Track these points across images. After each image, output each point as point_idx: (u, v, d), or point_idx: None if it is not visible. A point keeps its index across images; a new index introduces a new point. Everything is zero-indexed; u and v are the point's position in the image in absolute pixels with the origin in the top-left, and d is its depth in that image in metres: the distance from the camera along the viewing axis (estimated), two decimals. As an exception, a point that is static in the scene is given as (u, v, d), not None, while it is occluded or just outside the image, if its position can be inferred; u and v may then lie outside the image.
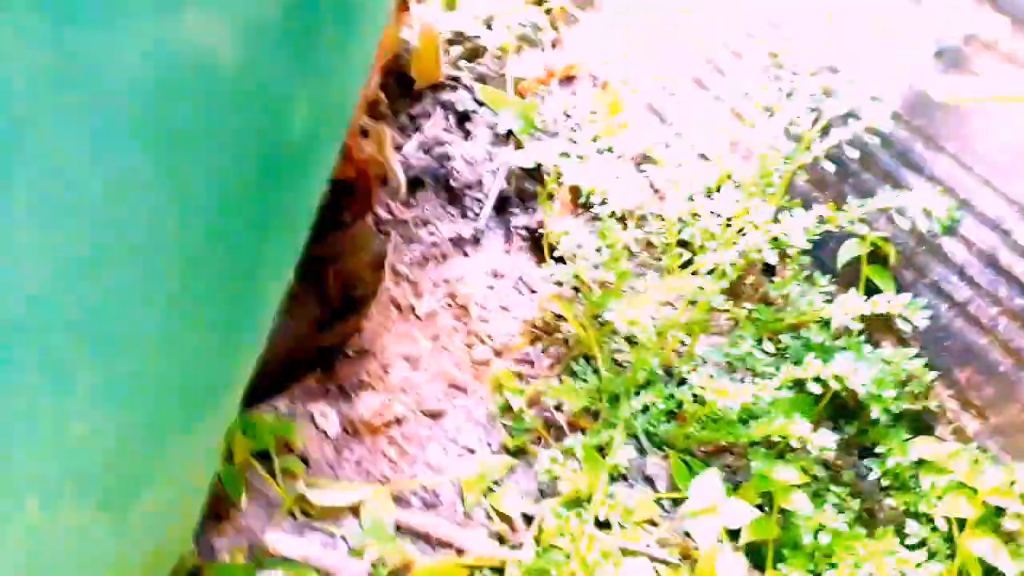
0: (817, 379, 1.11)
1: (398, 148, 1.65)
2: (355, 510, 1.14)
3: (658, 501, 1.25)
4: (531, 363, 1.47)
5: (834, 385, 1.10)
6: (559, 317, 1.49)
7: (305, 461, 1.19)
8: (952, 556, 1.11)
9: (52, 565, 0.57)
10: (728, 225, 1.26)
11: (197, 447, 0.66)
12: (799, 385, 1.15)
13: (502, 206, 1.67)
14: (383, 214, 1.59)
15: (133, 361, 0.52)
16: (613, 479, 1.25)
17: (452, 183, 1.63)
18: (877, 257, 1.28)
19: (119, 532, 0.63)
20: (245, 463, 1.11)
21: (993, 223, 1.17)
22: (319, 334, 1.31)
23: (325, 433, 1.24)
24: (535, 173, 1.67)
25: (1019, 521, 1.08)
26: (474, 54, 1.81)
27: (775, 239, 1.20)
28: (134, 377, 0.52)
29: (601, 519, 1.16)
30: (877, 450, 1.18)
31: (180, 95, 0.41)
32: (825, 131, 1.24)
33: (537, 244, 1.65)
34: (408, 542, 1.13)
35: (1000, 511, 1.11)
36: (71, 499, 0.54)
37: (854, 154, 1.24)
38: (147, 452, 0.57)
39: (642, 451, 1.31)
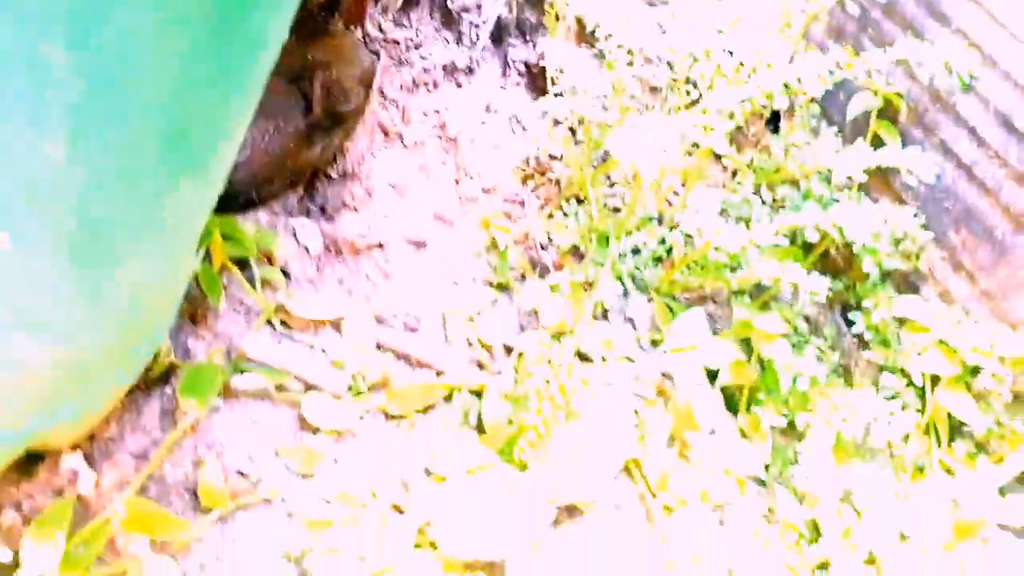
0: (815, 227, 1.09)
1: (392, -38, 1.52)
2: (336, 325, 1.12)
3: (638, 341, 1.25)
4: (521, 203, 1.43)
5: (832, 233, 1.08)
6: (552, 158, 1.44)
7: (285, 274, 1.15)
8: (923, 410, 1.13)
9: (23, 308, 0.53)
10: (741, 65, 1.19)
11: (183, 212, 0.61)
12: (795, 234, 1.13)
13: (499, 35, 1.57)
14: (373, 32, 1.48)
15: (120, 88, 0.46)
16: (595, 317, 1.24)
17: (449, 3, 1.52)
18: (887, 113, 1.24)
19: (96, 293, 0.59)
20: (223, 268, 1.07)
21: (1016, 83, 1.12)
22: (302, 148, 1.25)
23: (307, 249, 1.20)
24: (537, 3, 1.57)
25: (994, 380, 1.10)
26: None
27: (787, 84, 1.14)
28: (120, 103, 0.46)
29: (582, 352, 1.16)
30: (864, 304, 1.18)
31: None
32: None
33: (534, 80, 1.57)
34: (388, 360, 1.12)
35: (976, 370, 1.13)
36: (45, 242, 0.50)
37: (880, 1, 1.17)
38: (133, 201, 0.53)
39: (625, 293, 1.30)
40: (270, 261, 1.14)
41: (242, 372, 1.01)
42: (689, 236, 1.22)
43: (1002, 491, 1.07)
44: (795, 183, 1.27)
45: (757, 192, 1.27)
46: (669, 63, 1.29)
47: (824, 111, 1.28)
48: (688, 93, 1.26)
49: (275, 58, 0.58)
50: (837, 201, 1.20)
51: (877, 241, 1.12)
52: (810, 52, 1.17)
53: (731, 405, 1.19)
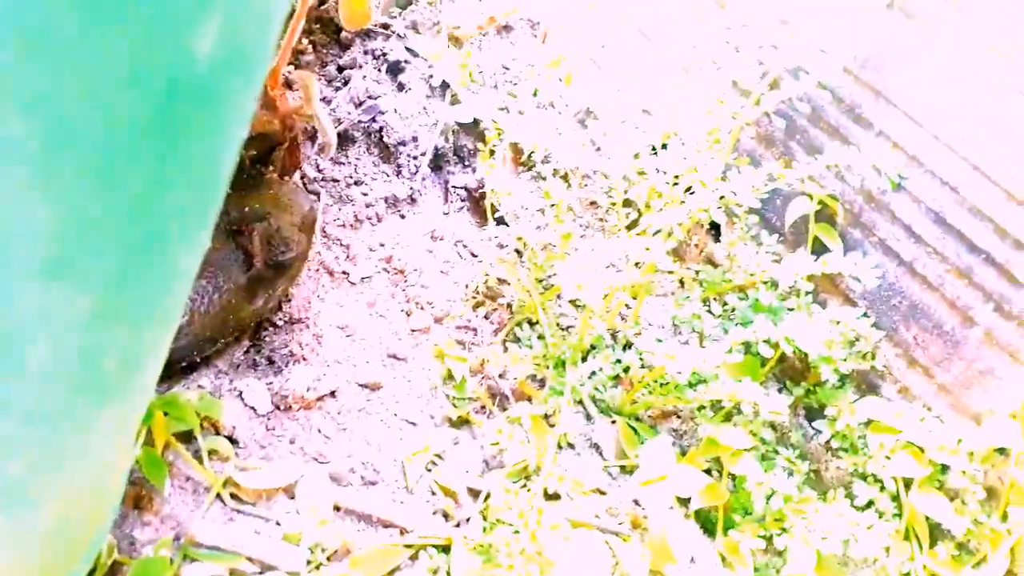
0: (767, 341, 1.09)
1: (327, 101, 1.54)
2: (289, 491, 1.07)
3: (605, 469, 1.22)
4: (474, 330, 1.41)
5: (785, 347, 1.08)
6: (502, 281, 1.43)
7: (233, 441, 1.11)
8: (900, 515, 1.11)
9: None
10: (675, 183, 1.21)
11: (105, 440, 0.58)
12: (748, 348, 1.12)
13: (438, 163, 1.58)
14: (312, 172, 1.48)
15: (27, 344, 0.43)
16: (560, 448, 1.21)
17: (385, 139, 1.53)
18: (824, 215, 1.26)
19: (18, 543, 0.55)
20: (166, 446, 1.02)
21: (942, 180, 1.15)
22: (245, 302, 1.22)
23: (254, 410, 1.15)
24: (473, 129, 1.59)
25: (964, 478, 1.08)
26: None
27: (723, 198, 1.16)
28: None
29: (550, 491, 1.12)
30: (827, 412, 1.17)
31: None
32: (774, 86, 1.20)
33: (477, 204, 1.58)
34: (348, 523, 1.07)
35: (945, 468, 1.12)
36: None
37: (804, 109, 1.20)
38: (47, 449, 0.49)
39: (588, 418, 1.27)
40: (216, 429, 1.09)
41: (193, 560, 0.95)
42: (643, 356, 1.21)
43: (991, 598, 1.05)
44: (743, 291, 1.27)
45: (706, 303, 1.27)
46: (608, 189, 1.31)
47: (763, 218, 1.30)
48: (628, 215, 1.27)
49: (189, 287, 0.56)
50: (788, 309, 1.21)
51: (831, 348, 1.11)
52: (742, 165, 1.19)
53: (708, 528, 1.16)
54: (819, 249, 1.24)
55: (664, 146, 1.35)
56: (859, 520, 1.05)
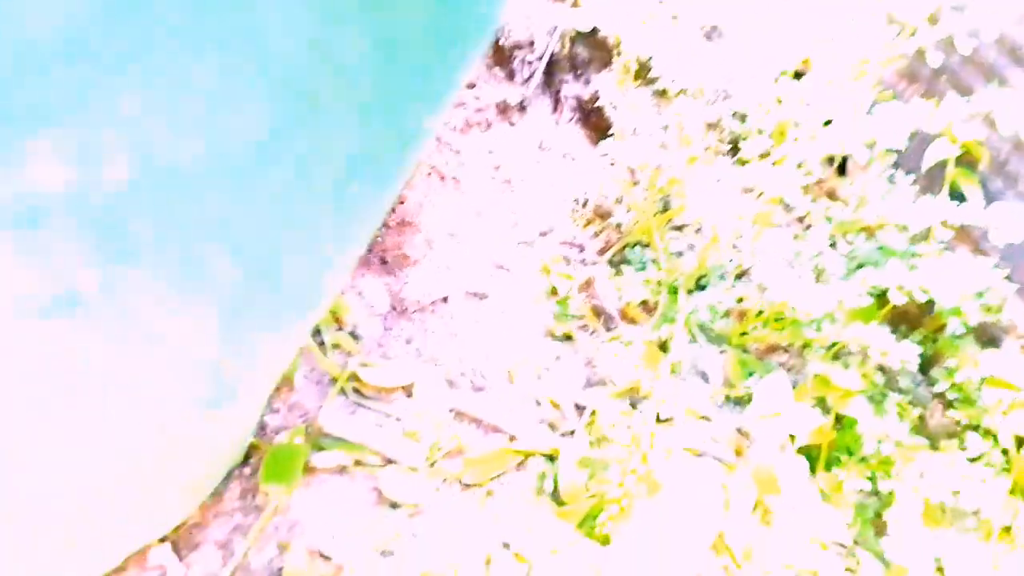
0: (900, 288, 1.06)
1: None
2: (408, 390, 1.10)
3: (712, 398, 1.22)
4: (580, 247, 1.40)
5: (919, 296, 1.05)
6: (613, 200, 1.41)
7: (354, 336, 1.13)
8: (1009, 470, 1.10)
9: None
10: (815, 115, 1.16)
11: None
12: (876, 292, 1.10)
13: (551, 71, 1.54)
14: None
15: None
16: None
17: (501, 40, 1.48)
18: (965, 160, 1.20)
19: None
20: (299, 337, 1.05)
21: (1106, 133, 1.09)
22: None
23: (373, 308, 1.17)
24: (591, 37, 1.53)
25: (1083, 442, 1.07)
26: None
27: (869, 140, 1.11)
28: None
29: (661, 416, 1.13)
30: (947, 363, 1.15)
31: None
32: (932, 20, 1.13)
33: (588, 117, 1.54)
34: (462, 426, 1.10)
35: (1062, 431, 1.10)
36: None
37: (966, 48, 1.13)
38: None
39: (696, 345, 1.27)
40: (340, 324, 1.12)
41: (320, 449, 0.99)
42: (763, 289, 1.19)
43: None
44: (868, 232, 1.24)
45: (832, 242, 1.23)
46: (737, 114, 1.26)
47: (899, 157, 1.25)
48: (759, 143, 1.22)
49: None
50: (915, 255, 1.17)
51: (964, 301, 1.08)
52: (887, 102, 1.13)
53: (810, 462, 1.16)
54: (955, 195, 1.19)
55: (798, 74, 1.29)
56: (970, 473, 1.05)
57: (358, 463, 1.00)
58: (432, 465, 1.04)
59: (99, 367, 0.50)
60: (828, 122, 1.17)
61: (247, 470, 0.95)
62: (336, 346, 1.09)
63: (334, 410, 1.02)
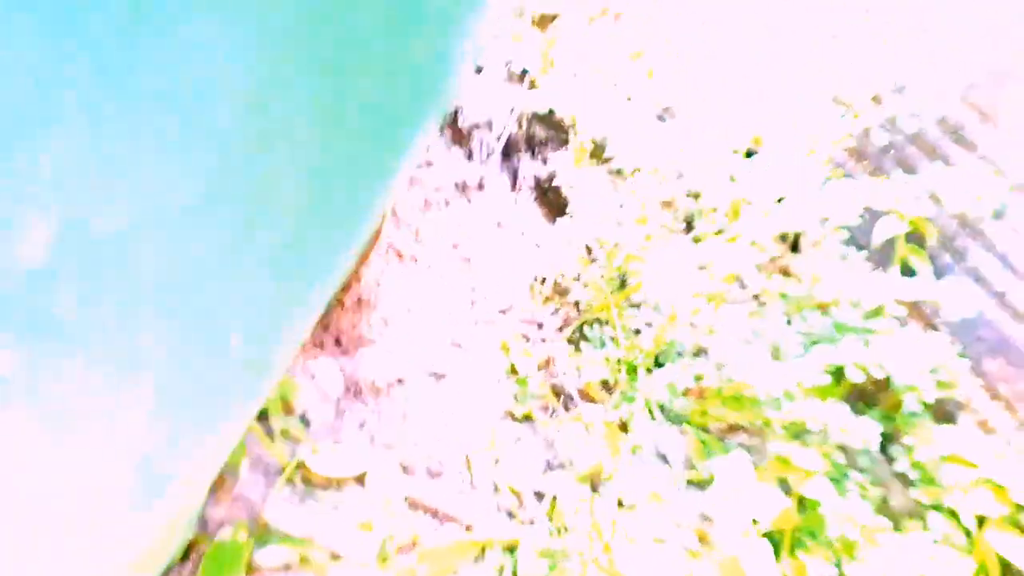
0: (858, 365, 1.06)
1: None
2: (360, 479, 1.06)
3: (673, 480, 1.19)
4: (539, 325, 1.39)
5: (876, 373, 1.05)
6: (570, 279, 1.41)
7: (304, 422, 1.09)
8: (971, 552, 1.09)
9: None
10: (768, 193, 1.18)
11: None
12: (837, 370, 1.09)
13: (509, 150, 1.55)
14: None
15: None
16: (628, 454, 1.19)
17: (460, 121, 1.50)
18: (914, 237, 1.23)
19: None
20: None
21: (1047, 212, 1.11)
22: (317, 282, 1.20)
23: (326, 393, 1.14)
24: (548, 118, 1.56)
25: (1045, 520, 1.06)
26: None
27: (819, 214, 1.13)
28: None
29: (624, 502, 1.10)
30: (905, 440, 1.14)
31: None
32: (876, 100, 1.16)
33: (545, 195, 1.55)
34: (416, 516, 1.06)
35: (1021, 508, 1.09)
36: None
37: (904, 126, 1.16)
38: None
39: (655, 425, 1.25)
40: (287, 409, 1.08)
41: (265, 544, 0.94)
42: (721, 367, 1.18)
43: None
44: (822, 308, 1.24)
45: (788, 321, 1.24)
46: (692, 193, 1.27)
47: (850, 234, 1.27)
48: (714, 221, 1.24)
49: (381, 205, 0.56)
50: (869, 331, 1.18)
51: (919, 377, 1.08)
52: (838, 180, 1.15)
53: (774, 547, 1.14)
54: (906, 271, 1.21)
55: (749, 153, 1.32)
56: (936, 555, 1.03)
57: (304, 560, 0.95)
58: (384, 560, 0.99)
59: (14, 456, 0.47)
60: (780, 199, 1.19)
61: (186, 569, 0.90)
62: (284, 433, 1.05)
63: (280, 502, 0.98)
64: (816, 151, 1.17)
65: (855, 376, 1.06)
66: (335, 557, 0.97)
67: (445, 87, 0.55)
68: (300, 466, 1.03)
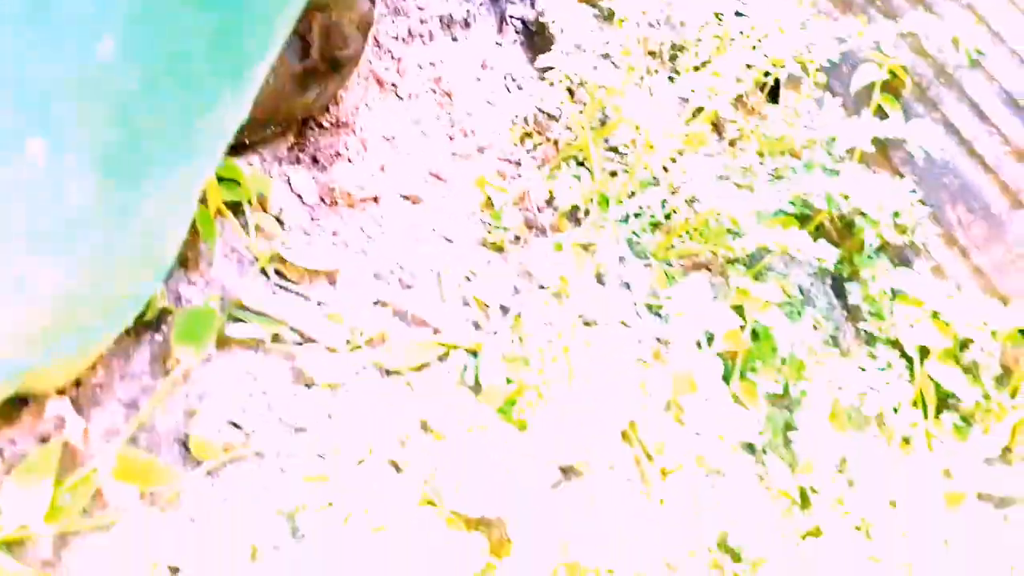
0: (828, 196, 1.09)
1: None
2: (331, 277, 1.09)
3: (634, 306, 1.24)
4: (516, 163, 1.40)
5: (839, 202, 1.08)
6: (550, 117, 1.41)
7: (280, 223, 1.11)
8: (913, 381, 1.15)
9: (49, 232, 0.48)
10: (752, 29, 1.18)
11: (213, 132, 0.58)
12: (803, 201, 1.12)
13: (498, -11, 1.53)
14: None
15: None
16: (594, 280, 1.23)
17: (448, -47, 1.47)
18: (891, 86, 1.24)
19: (122, 214, 0.55)
20: (217, 211, 1.03)
21: (1022, 60, 1.13)
22: (297, 92, 1.19)
23: (300, 198, 1.16)
24: (537, -42, 1.53)
25: (984, 354, 1.11)
26: None
27: (799, 53, 1.13)
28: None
29: (582, 315, 1.14)
30: (862, 275, 1.18)
31: None
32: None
33: (531, 38, 1.53)
34: (385, 314, 1.09)
35: (966, 344, 1.15)
36: (83, 151, 0.46)
37: (894, -32, 1.16)
38: (175, 110, 0.49)
39: (621, 259, 1.29)
40: (264, 208, 1.10)
41: (237, 320, 0.97)
42: (691, 201, 1.21)
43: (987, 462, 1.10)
44: (794, 154, 1.26)
45: (760, 158, 1.26)
46: (681, 21, 1.27)
47: (828, 82, 1.28)
48: (697, 55, 1.24)
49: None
50: (838, 172, 1.20)
51: (880, 212, 1.12)
52: (819, 20, 1.15)
53: (724, 371, 1.19)
54: (881, 119, 1.23)
55: (739, -4, 1.31)
56: (877, 378, 1.09)
57: (276, 338, 0.98)
58: (353, 349, 1.03)
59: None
60: (763, 37, 1.19)
61: (159, 336, 0.93)
62: (260, 228, 1.07)
63: (254, 285, 1.01)
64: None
65: (820, 204, 1.09)
66: (306, 340, 1.00)
67: None
68: (274, 258, 1.05)
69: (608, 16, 1.40)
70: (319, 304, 1.05)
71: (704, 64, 1.23)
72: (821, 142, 1.20)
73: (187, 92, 0.47)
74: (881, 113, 1.22)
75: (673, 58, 1.35)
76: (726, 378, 1.18)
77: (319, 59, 1.19)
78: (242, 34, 0.50)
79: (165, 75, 0.44)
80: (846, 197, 1.07)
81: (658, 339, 1.20)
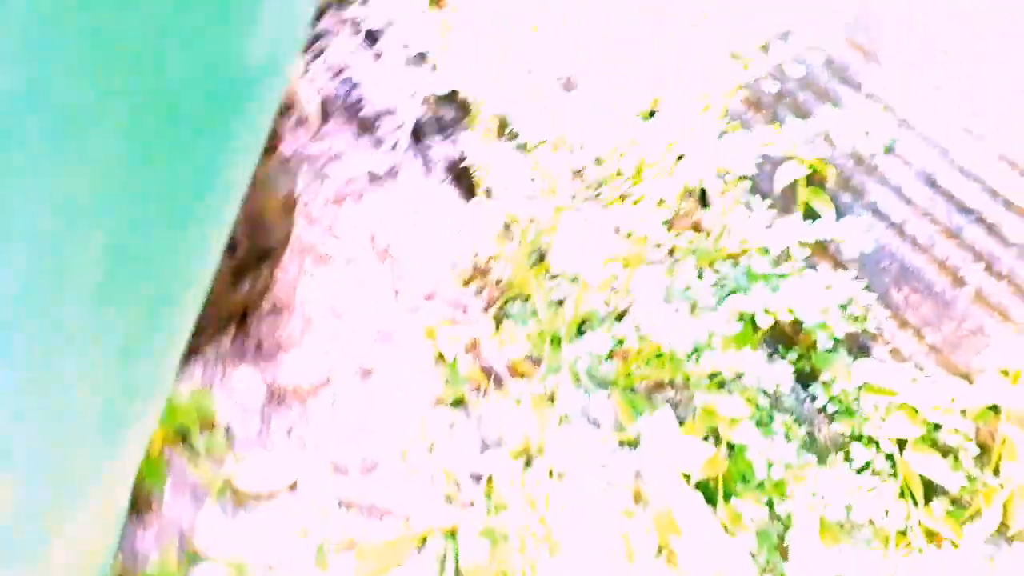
0: (766, 311, 1.08)
1: (304, 70, 1.48)
2: (292, 486, 1.05)
3: (605, 442, 1.21)
4: (464, 307, 1.39)
5: (784, 317, 1.08)
6: (490, 257, 1.41)
7: (229, 436, 1.08)
8: (895, 475, 1.13)
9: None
10: (668, 151, 1.19)
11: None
12: (742, 316, 1.12)
13: (419, 135, 1.54)
14: (288, 150, 1.43)
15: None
16: (559, 424, 1.21)
17: (362, 111, 1.48)
18: (814, 180, 1.25)
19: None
20: (163, 445, 0.99)
21: (932, 141, 1.15)
22: (230, 290, 1.18)
23: (249, 403, 1.13)
24: (454, 98, 1.54)
25: (958, 436, 1.10)
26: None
27: (718, 169, 1.14)
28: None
29: (554, 472, 1.12)
30: (822, 377, 1.18)
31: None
32: (764, 49, 1.18)
33: (460, 177, 1.54)
34: (352, 515, 1.06)
35: (938, 427, 1.14)
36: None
37: (794, 73, 1.18)
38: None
39: (584, 392, 1.27)
40: (209, 426, 1.07)
41: (197, 563, 0.93)
42: (639, 329, 1.20)
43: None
44: (734, 258, 1.27)
45: (699, 272, 1.26)
46: (597, 159, 1.28)
47: (753, 184, 1.29)
48: (620, 176, 1.25)
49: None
50: (780, 275, 1.20)
51: (827, 315, 1.11)
52: (734, 131, 1.17)
53: (708, 497, 1.17)
54: (809, 214, 1.24)
55: (652, 113, 1.33)
56: (859, 484, 1.07)
57: (241, 573, 0.95)
58: (322, 565, 0.99)
59: None
60: (680, 157, 1.20)
61: (118, 603, 0.89)
62: (209, 450, 1.04)
63: (208, 524, 0.97)
64: (711, 105, 1.19)
65: (764, 322, 1.08)
66: (271, 569, 0.96)
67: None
68: (226, 484, 1.02)
69: (525, 147, 1.41)
70: (281, 521, 1.01)
71: (627, 195, 1.23)
72: (755, 248, 1.20)
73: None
74: (809, 209, 1.23)
75: (599, 185, 1.36)
76: (712, 502, 1.16)
77: (247, 254, 1.18)
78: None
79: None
80: (790, 311, 1.06)
81: (636, 474, 1.17)
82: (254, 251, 1.19)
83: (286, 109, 1.45)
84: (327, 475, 1.07)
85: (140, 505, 0.97)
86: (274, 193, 1.24)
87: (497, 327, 1.36)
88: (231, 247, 1.18)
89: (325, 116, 1.47)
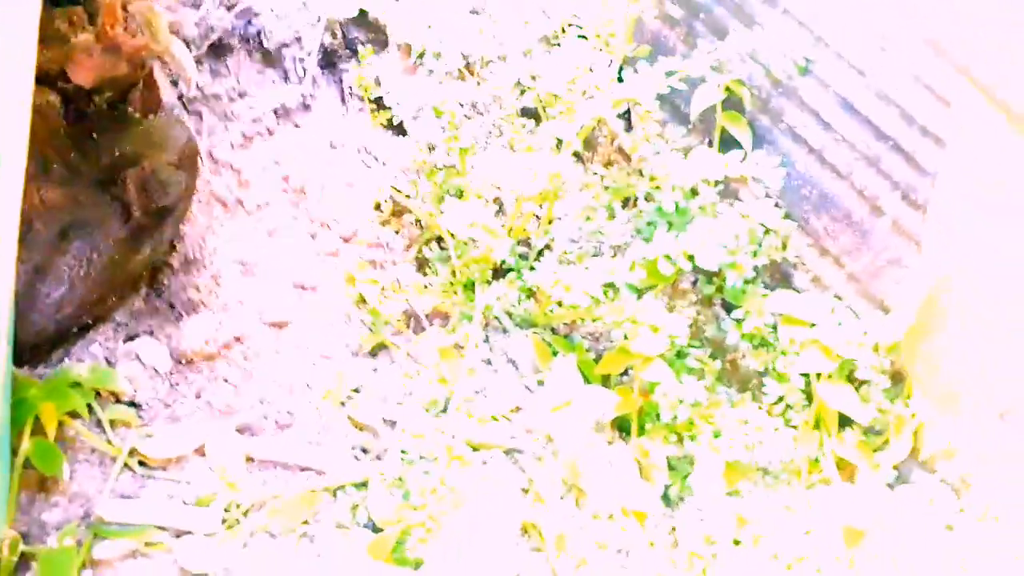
0: (667, 257, 1.05)
1: (195, 6, 1.38)
2: (200, 450, 1.07)
3: (523, 382, 1.22)
4: (384, 246, 1.36)
5: (685, 265, 1.05)
6: (407, 196, 1.36)
7: (136, 404, 1.09)
8: (809, 406, 1.13)
9: None
10: (572, 87, 1.12)
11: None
12: (652, 264, 1.09)
13: (330, 62, 1.46)
14: (188, 92, 1.36)
15: None
16: (475, 370, 1.20)
17: (265, 42, 1.39)
18: (732, 102, 1.19)
19: None
20: (61, 427, 1.00)
21: (849, 63, 1.07)
22: (130, 254, 1.15)
23: (155, 369, 1.13)
24: (364, 20, 1.45)
25: (871, 370, 1.10)
26: None
27: (619, 103, 1.08)
28: None
29: (464, 421, 1.13)
30: (734, 314, 1.16)
31: None
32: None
33: (379, 103, 1.46)
34: (264, 474, 1.08)
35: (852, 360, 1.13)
36: None
37: (706, -11, 1.10)
38: None
39: (505, 331, 1.26)
40: (115, 396, 1.07)
41: (103, 538, 0.96)
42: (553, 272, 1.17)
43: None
44: (651, 191, 1.22)
45: (611, 213, 1.22)
46: (497, 97, 1.21)
47: (672, 106, 1.23)
48: (523, 126, 1.19)
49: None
50: (699, 208, 1.16)
51: (736, 255, 1.08)
52: (641, 58, 1.10)
53: (625, 430, 1.18)
54: (727, 139, 1.19)
55: (563, 30, 1.25)
56: (763, 424, 1.08)
57: (149, 544, 0.97)
58: (232, 526, 1.02)
59: None
60: (584, 93, 1.14)
61: (25, 583, 0.92)
62: (114, 423, 1.04)
63: (112, 496, 0.99)
64: (615, 33, 1.11)
65: (666, 270, 1.05)
66: (180, 533, 0.99)
67: None
68: (133, 452, 1.03)
69: (433, 72, 1.34)
70: (189, 484, 1.03)
71: (533, 132, 1.18)
72: (667, 185, 1.15)
73: None
74: (727, 135, 1.18)
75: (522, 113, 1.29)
76: (629, 434, 1.17)
77: (143, 215, 1.14)
78: None
79: None
80: (689, 258, 1.03)
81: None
82: (150, 215, 1.15)
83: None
84: (235, 439, 1.08)
85: (45, 483, 0.99)
86: (168, 149, 1.19)
87: (419, 268, 1.33)
88: (125, 212, 1.14)
89: (225, 52, 1.38)
